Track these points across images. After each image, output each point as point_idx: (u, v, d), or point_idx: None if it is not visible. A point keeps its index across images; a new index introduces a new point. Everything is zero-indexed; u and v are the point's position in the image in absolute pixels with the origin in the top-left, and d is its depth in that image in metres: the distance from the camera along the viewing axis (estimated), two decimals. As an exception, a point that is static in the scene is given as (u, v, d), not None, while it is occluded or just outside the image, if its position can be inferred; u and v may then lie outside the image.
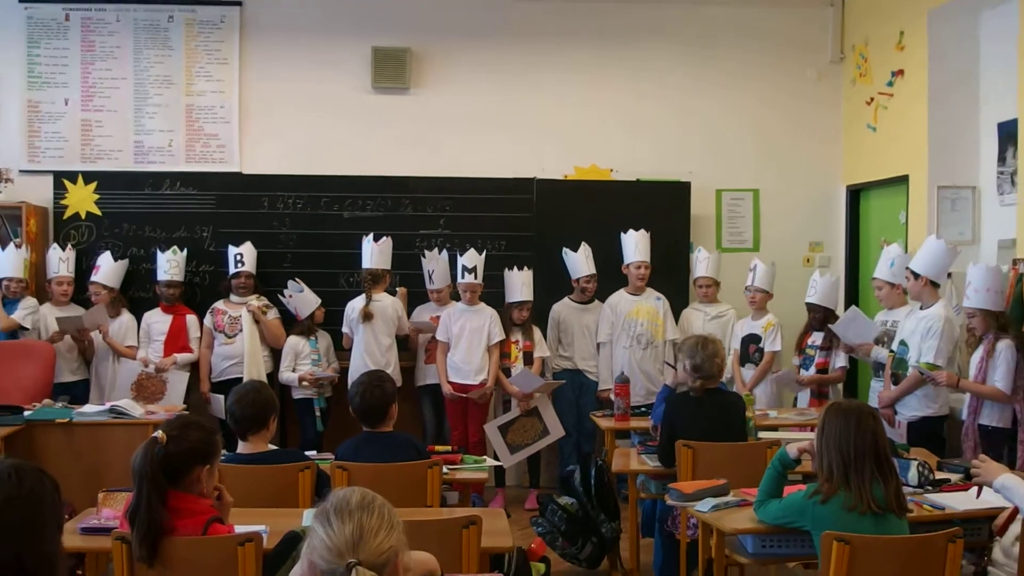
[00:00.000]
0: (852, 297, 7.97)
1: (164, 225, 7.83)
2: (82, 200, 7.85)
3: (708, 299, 7.55)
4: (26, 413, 5.96)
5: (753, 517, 3.85)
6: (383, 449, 4.44)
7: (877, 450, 3.54)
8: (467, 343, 7.22)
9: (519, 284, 7.31)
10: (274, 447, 4.48)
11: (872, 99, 7.75)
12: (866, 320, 6.54)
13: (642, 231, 7.46)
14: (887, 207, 7.73)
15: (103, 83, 8.01)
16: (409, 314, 7.48)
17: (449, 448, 5.38)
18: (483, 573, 3.26)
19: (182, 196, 7.89)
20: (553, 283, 7.62)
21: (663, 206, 7.96)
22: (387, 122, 8.09)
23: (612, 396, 6.55)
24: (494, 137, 8.12)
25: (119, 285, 7.49)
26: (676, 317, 7.58)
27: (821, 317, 6.89)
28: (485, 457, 5.55)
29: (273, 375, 7.31)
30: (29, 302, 7.15)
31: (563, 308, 7.59)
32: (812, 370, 6.83)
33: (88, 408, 6.26)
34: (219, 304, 7.46)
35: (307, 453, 4.85)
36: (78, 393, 7.03)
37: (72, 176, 7.86)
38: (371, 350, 7.20)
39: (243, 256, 7.45)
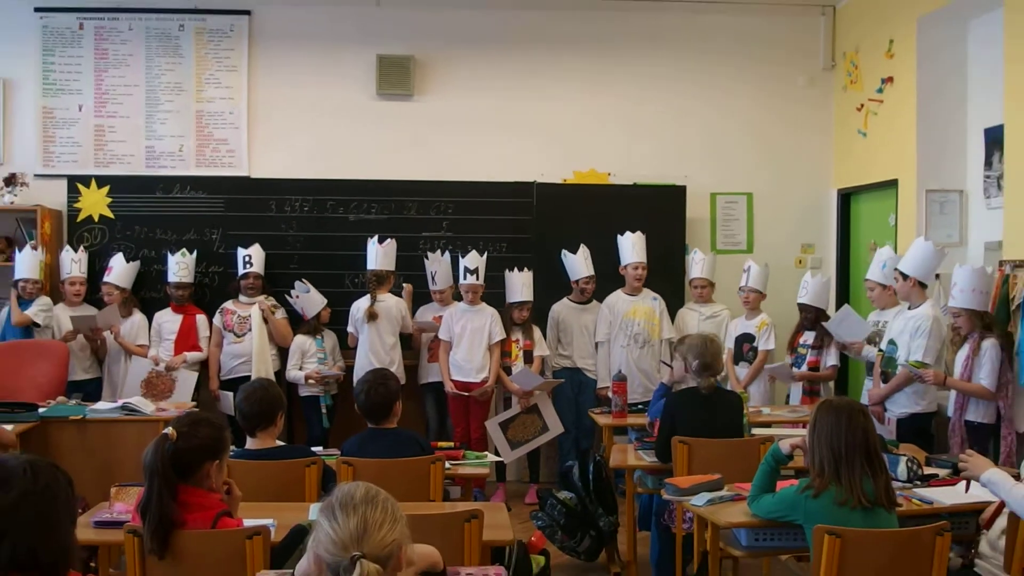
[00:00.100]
0: (843, 298, 7.96)
1: (175, 227, 7.84)
2: (95, 203, 7.85)
3: (703, 299, 7.56)
4: (41, 410, 5.96)
5: (747, 511, 3.85)
6: (387, 445, 4.44)
7: (867, 446, 3.54)
8: (469, 342, 7.22)
9: (519, 285, 7.32)
10: (281, 443, 4.47)
11: (862, 105, 7.74)
12: (858, 318, 6.54)
13: (638, 233, 7.47)
14: (877, 210, 7.73)
15: (116, 90, 8.02)
16: (413, 314, 7.48)
17: (451, 444, 5.36)
18: (484, 565, 3.25)
19: (192, 199, 7.89)
20: (553, 284, 7.61)
21: (659, 209, 7.96)
22: (391, 127, 8.09)
23: (610, 394, 6.55)
24: (495, 142, 8.12)
25: (131, 286, 7.50)
26: (672, 317, 7.58)
27: (813, 317, 6.90)
28: (486, 453, 5.55)
29: (281, 373, 7.32)
30: (43, 301, 7.16)
31: (562, 308, 7.59)
32: (804, 368, 6.83)
33: (101, 405, 6.26)
34: (228, 304, 7.47)
35: (313, 449, 4.85)
36: (91, 391, 7.03)
37: (86, 180, 7.86)
38: (376, 349, 7.20)
39: (251, 258, 7.46)
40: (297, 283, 7.38)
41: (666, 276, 7.76)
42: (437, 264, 7.39)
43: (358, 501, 2.20)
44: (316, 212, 7.92)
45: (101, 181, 7.87)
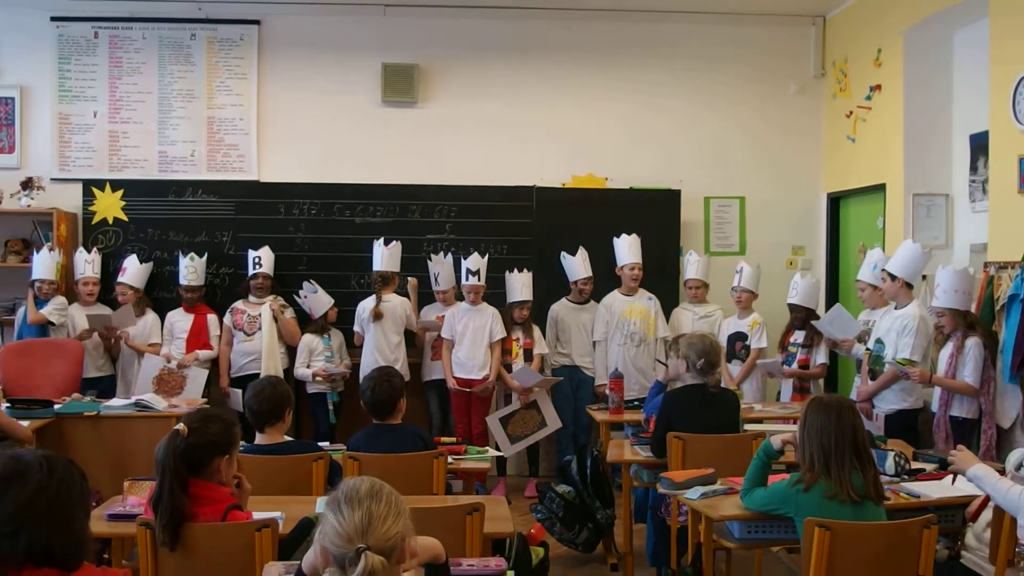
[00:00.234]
0: (832, 298, 7.95)
1: (186, 230, 7.84)
2: (110, 206, 7.85)
3: (697, 300, 7.55)
4: (56, 407, 5.95)
5: (739, 504, 3.84)
6: (392, 440, 4.43)
7: (856, 441, 3.53)
8: (471, 340, 7.22)
9: (519, 285, 7.32)
10: (289, 438, 4.47)
11: (851, 112, 7.74)
12: (849, 317, 6.53)
13: (634, 235, 7.46)
14: (865, 213, 7.72)
15: (130, 97, 8.01)
16: (419, 305, 7.49)
17: (454, 440, 5.36)
18: (485, 557, 3.24)
19: (203, 203, 7.89)
20: (552, 284, 7.61)
21: (655, 212, 7.96)
22: (396, 133, 8.09)
23: (607, 391, 6.54)
24: (496, 147, 8.12)
25: (144, 286, 7.50)
26: (666, 316, 7.58)
27: (803, 316, 6.89)
28: (487, 448, 5.55)
29: (289, 371, 7.31)
30: (59, 301, 7.16)
31: (561, 308, 7.59)
32: (794, 366, 6.83)
33: (114, 402, 6.26)
34: (238, 304, 7.47)
35: (320, 444, 4.84)
36: (104, 388, 7.03)
37: (100, 184, 7.86)
38: (381, 347, 7.20)
39: (261, 259, 7.46)
40: (305, 284, 7.38)
41: (661, 277, 7.75)
42: (440, 266, 7.40)
43: (363, 495, 2.19)
44: (323, 215, 7.92)
45: (115, 185, 7.87)
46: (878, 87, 7.34)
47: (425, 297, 7.57)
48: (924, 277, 6.19)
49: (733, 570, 5.23)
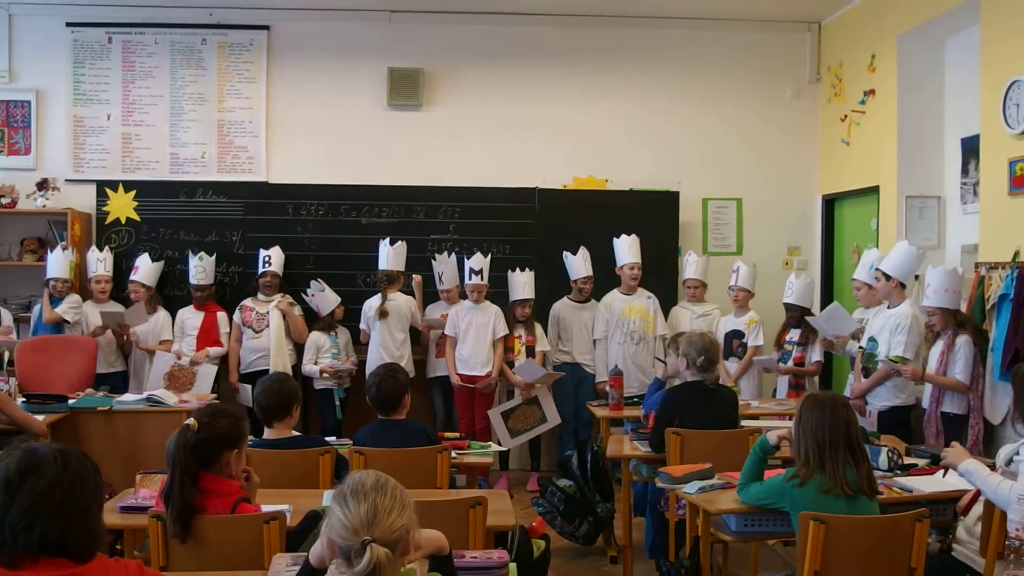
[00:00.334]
0: (827, 298, 7.95)
1: (197, 230, 7.84)
2: (122, 207, 7.85)
3: (696, 299, 7.54)
4: (70, 401, 5.95)
5: (736, 498, 3.83)
6: (397, 435, 4.43)
7: (850, 437, 3.52)
8: (474, 338, 7.21)
9: (522, 284, 7.32)
10: (297, 433, 4.46)
11: (846, 116, 7.73)
12: (845, 314, 6.52)
13: (633, 236, 7.45)
14: (859, 215, 7.71)
15: (142, 100, 8.02)
16: (423, 303, 7.50)
17: (457, 435, 5.35)
18: (488, 549, 3.24)
19: (214, 203, 7.89)
20: (553, 283, 7.61)
21: (654, 213, 7.96)
22: (401, 136, 8.09)
23: (607, 388, 6.54)
24: (499, 149, 8.12)
25: (156, 284, 7.50)
26: (665, 315, 7.57)
27: (798, 315, 6.89)
28: (490, 443, 5.53)
29: (297, 367, 7.31)
30: (73, 298, 7.17)
31: (562, 307, 7.59)
32: (790, 364, 6.82)
33: (127, 397, 6.26)
34: (247, 302, 7.47)
35: (327, 439, 4.82)
36: (116, 383, 7.02)
37: (113, 185, 7.86)
38: (386, 344, 7.20)
39: (271, 258, 7.46)
40: (312, 282, 7.38)
41: (660, 276, 7.75)
42: (444, 265, 7.39)
43: (369, 488, 2.19)
44: (330, 215, 7.92)
45: (128, 186, 7.87)
46: (872, 92, 7.33)
47: (430, 296, 7.57)
48: (917, 277, 6.18)
49: (730, 562, 5.24)
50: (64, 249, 7.25)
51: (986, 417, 5.55)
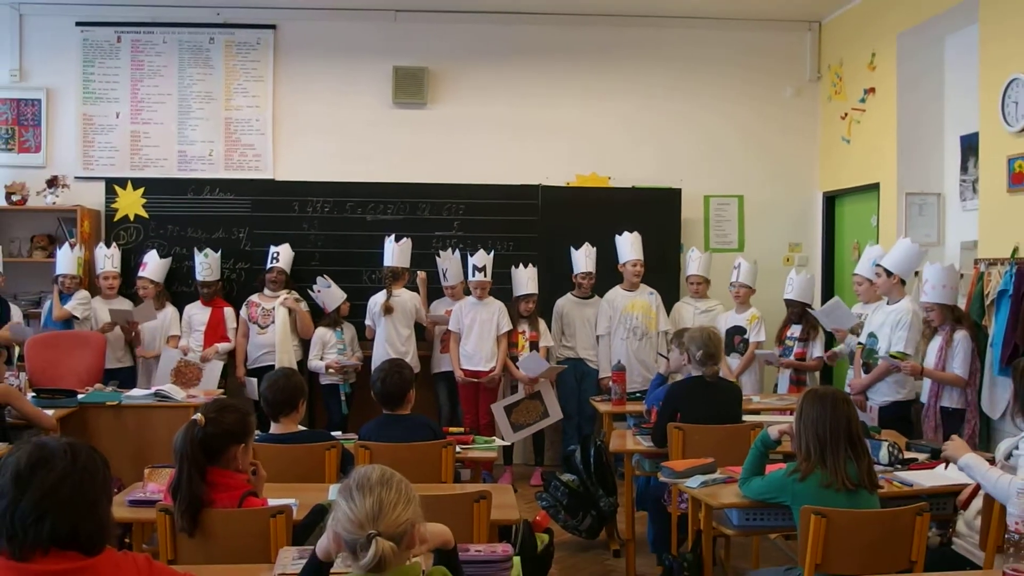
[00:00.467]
0: (828, 294, 7.93)
1: (204, 226, 7.84)
2: (131, 204, 7.85)
3: (699, 295, 7.52)
4: (80, 396, 5.95)
5: (738, 493, 3.83)
6: (402, 430, 4.42)
7: (850, 432, 3.51)
8: (478, 333, 7.20)
9: (525, 279, 7.30)
10: (303, 428, 4.46)
11: (846, 114, 7.71)
12: (846, 309, 6.50)
13: (635, 233, 7.42)
14: (860, 212, 7.70)
15: (151, 98, 8.02)
16: (428, 300, 7.49)
17: (462, 429, 5.35)
18: (492, 543, 3.24)
19: (221, 200, 7.89)
20: (556, 280, 7.60)
21: (656, 210, 7.95)
22: (406, 134, 8.09)
23: (610, 383, 6.53)
24: (503, 147, 8.11)
25: (163, 280, 7.50)
26: (668, 311, 7.55)
27: (799, 311, 6.88)
28: (494, 438, 5.54)
29: (303, 363, 7.31)
30: (82, 295, 7.19)
31: (565, 303, 7.58)
32: (791, 359, 6.82)
33: (135, 392, 6.26)
34: (254, 297, 7.47)
35: (333, 433, 4.83)
36: (124, 378, 7.02)
37: (122, 182, 7.86)
38: (391, 340, 7.19)
39: (279, 255, 7.46)
40: (319, 279, 7.37)
41: (662, 273, 7.74)
42: (448, 262, 7.39)
43: (374, 483, 2.19)
44: (336, 212, 7.91)
45: (136, 183, 7.87)
46: (872, 90, 7.32)
47: (435, 292, 7.57)
48: (917, 273, 6.17)
49: (732, 556, 5.25)
50: (71, 246, 7.25)
51: (985, 412, 5.55)
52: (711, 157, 8.25)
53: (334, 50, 8.09)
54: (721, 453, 4.35)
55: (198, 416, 3.17)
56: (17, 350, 6.69)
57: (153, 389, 6.26)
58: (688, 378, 5.14)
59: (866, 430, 4.31)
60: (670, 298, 7.69)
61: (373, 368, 5.87)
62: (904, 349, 5.68)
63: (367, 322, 7.40)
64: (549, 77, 8.17)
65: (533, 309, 7.33)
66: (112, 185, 7.86)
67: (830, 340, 7.05)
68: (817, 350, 6.78)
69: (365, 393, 5.72)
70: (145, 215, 7.84)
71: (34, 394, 5.80)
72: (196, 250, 7.52)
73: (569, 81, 8.18)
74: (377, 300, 7.32)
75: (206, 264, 7.41)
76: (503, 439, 6.68)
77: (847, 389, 6.04)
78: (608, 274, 7.49)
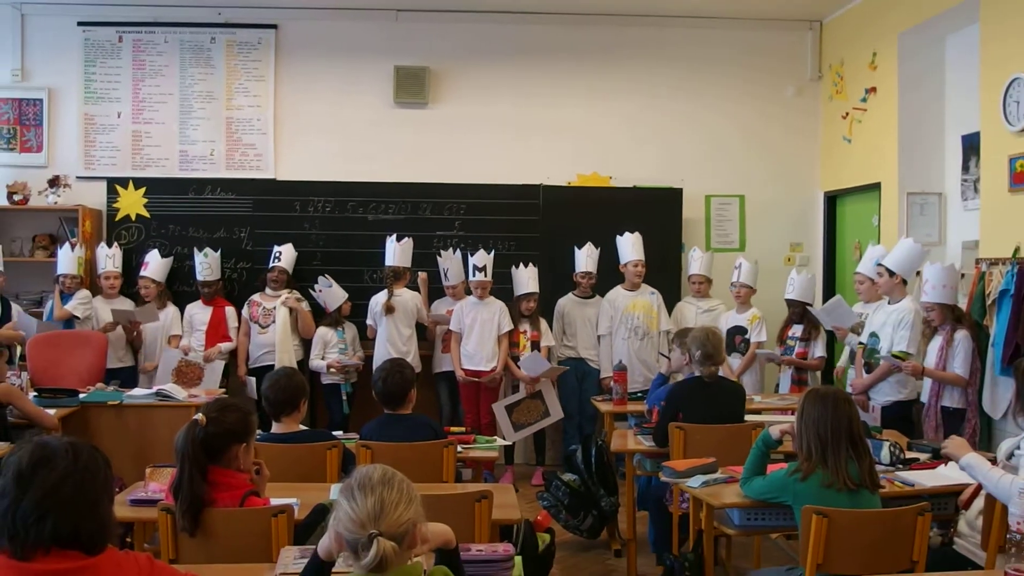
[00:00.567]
0: (829, 293, 7.92)
1: (206, 226, 7.84)
2: (132, 204, 7.85)
3: (701, 294, 7.52)
4: (81, 396, 5.96)
5: (739, 492, 3.83)
6: (403, 430, 4.42)
7: (852, 432, 3.51)
8: (479, 333, 7.20)
9: (526, 278, 7.30)
10: (304, 427, 4.46)
11: (847, 114, 7.71)
12: (847, 308, 6.50)
13: (636, 233, 7.42)
14: (861, 211, 7.69)
15: (152, 98, 8.02)
16: (429, 301, 7.50)
17: (463, 429, 5.35)
18: (494, 542, 3.24)
19: (222, 200, 7.89)
20: (558, 280, 7.60)
21: (657, 210, 7.94)
22: (408, 134, 8.09)
23: (611, 383, 6.53)
24: (504, 147, 8.11)
25: (165, 280, 7.50)
26: (670, 311, 7.55)
27: (800, 311, 6.88)
28: (495, 437, 5.53)
29: (303, 363, 7.30)
30: (83, 294, 7.19)
31: (567, 302, 7.58)
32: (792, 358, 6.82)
33: (137, 391, 6.27)
34: (255, 297, 7.47)
35: (334, 433, 4.83)
36: (125, 378, 7.03)
37: (124, 182, 7.87)
38: (393, 340, 7.19)
39: (282, 254, 7.46)
40: (320, 278, 7.37)
41: (663, 273, 7.73)
42: (449, 261, 7.38)
43: (375, 482, 2.19)
44: (337, 212, 7.91)
45: (138, 183, 7.87)
46: (873, 89, 7.31)
47: (436, 292, 7.57)
48: (918, 273, 6.16)
49: (733, 556, 5.24)
50: (73, 246, 7.25)
51: (986, 412, 5.54)
52: (712, 157, 8.25)
53: (335, 50, 8.09)
54: (722, 453, 4.35)
55: (199, 416, 3.17)
56: (19, 350, 6.69)
57: (154, 389, 6.26)
58: (690, 378, 5.14)
59: (867, 430, 4.31)
60: (672, 298, 7.69)
61: (374, 368, 5.88)
62: (906, 348, 5.68)
63: (368, 322, 7.40)
64: (550, 77, 8.17)
65: (534, 308, 7.33)
66: (113, 185, 7.86)
67: (831, 340, 7.05)
68: (818, 350, 6.78)
69: (366, 393, 5.71)
70: (146, 215, 7.84)
71: (36, 394, 5.80)
72: (196, 250, 7.52)
73: (570, 81, 8.18)
74: (378, 300, 7.32)
75: (206, 264, 7.41)
76: (504, 439, 6.68)
77: (849, 389, 6.04)
78: (610, 274, 7.49)
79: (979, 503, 3.76)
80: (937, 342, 5.59)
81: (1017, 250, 5.43)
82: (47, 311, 7.22)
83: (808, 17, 8.19)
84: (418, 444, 4.35)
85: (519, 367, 7.16)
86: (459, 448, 4.61)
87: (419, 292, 7.45)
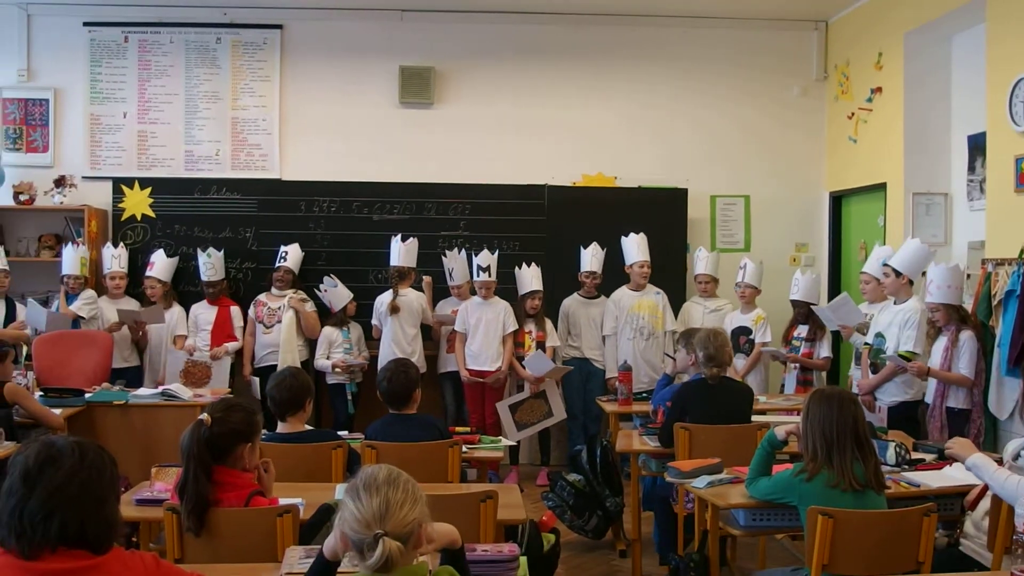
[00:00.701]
0: (834, 294, 7.89)
1: (211, 226, 7.85)
2: (138, 204, 7.87)
3: (707, 294, 7.51)
4: (87, 396, 5.97)
5: (745, 493, 3.82)
6: (408, 430, 4.42)
7: (857, 432, 3.51)
8: (484, 333, 7.20)
9: (530, 277, 7.30)
10: (309, 427, 4.46)
11: (853, 114, 7.70)
12: (853, 306, 6.48)
13: (641, 234, 7.41)
14: (866, 212, 7.68)
15: (158, 98, 8.04)
16: (434, 303, 7.50)
17: (468, 429, 5.35)
18: (499, 542, 3.24)
19: (228, 200, 7.90)
20: (562, 280, 7.60)
21: (663, 210, 7.93)
22: (412, 134, 8.09)
23: (616, 383, 6.52)
24: (509, 147, 8.11)
25: (171, 280, 7.51)
26: (675, 311, 7.54)
27: (805, 311, 6.86)
28: (500, 438, 5.53)
29: (308, 363, 7.31)
30: (88, 294, 7.20)
31: (572, 302, 7.57)
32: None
33: (142, 391, 6.28)
34: (261, 296, 7.49)
35: (339, 433, 4.83)
36: (130, 377, 7.04)
37: (129, 182, 7.88)
38: (398, 340, 7.19)
39: (288, 254, 7.48)
40: (325, 278, 7.38)
41: (668, 273, 7.73)
42: (454, 261, 7.39)
43: (381, 482, 2.19)
44: (342, 212, 7.92)
45: (143, 183, 7.88)
46: (879, 89, 7.30)
47: (441, 292, 7.57)
48: (924, 274, 6.15)
49: (738, 556, 5.23)
50: (76, 246, 7.26)
51: (992, 412, 5.53)
52: (717, 157, 8.25)
53: (340, 50, 8.10)
54: (728, 453, 4.35)
55: (204, 416, 3.17)
56: (25, 349, 6.71)
57: (160, 388, 6.27)
58: (697, 378, 5.13)
59: (873, 430, 4.30)
60: (677, 298, 7.68)
61: (379, 368, 5.88)
62: (913, 348, 5.67)
63: (373, 322, 7.40)
64: (555, 77, 8.17)
65: (540, 307, 7.32)
66: (119, 185, 7.87)
67: (837, 340, 7.04)
68: (824, 350, 6.76)
69: (371, 392, 5.70)
70: (152, 215, 7.86)
71: (41, 393, 5.81)
72: (200, 250, 7.53)
73: (575, 81, 8.18)
74: (383, 300, 7.32)
75: (210, 264, 7.42)
76: (507, 438, 6.68)
77: (855, 389, 6.03)
78: (615, 274, 7.48)
79: (985, 504, 3.75)
80: (942, 342, 5.58)
81: (1023, 250, 5.42)
82: (53, 309, 7.22)
83: (814, 17, 8.18)
84: (423, 444, 4.35)
85: (524, 367, 7.16)
86: (464, 448, 4.60)
87: (426, 287, 7.46)
